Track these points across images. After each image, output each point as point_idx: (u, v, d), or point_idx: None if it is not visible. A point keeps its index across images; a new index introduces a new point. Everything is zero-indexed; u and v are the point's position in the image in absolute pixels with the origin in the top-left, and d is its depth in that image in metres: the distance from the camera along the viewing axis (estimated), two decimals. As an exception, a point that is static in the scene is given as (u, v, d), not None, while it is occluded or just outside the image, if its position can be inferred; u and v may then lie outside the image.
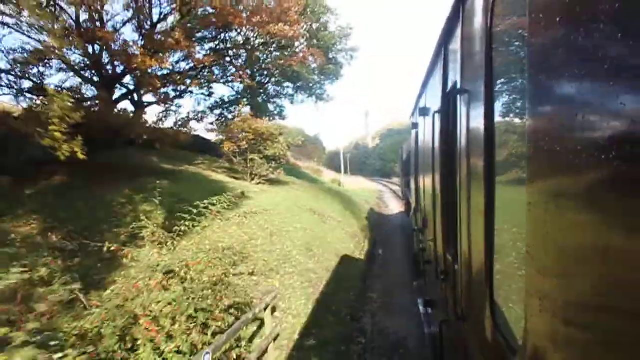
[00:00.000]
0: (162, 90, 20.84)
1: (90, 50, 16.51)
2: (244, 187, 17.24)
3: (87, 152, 10.16)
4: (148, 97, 23.01)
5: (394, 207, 33.01)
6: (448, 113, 3.55)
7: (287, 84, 27.57)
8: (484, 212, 2.12)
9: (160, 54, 15.56)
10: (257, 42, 21.70)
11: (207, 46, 22.26)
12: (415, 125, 7.54)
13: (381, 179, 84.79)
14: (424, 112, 5.55)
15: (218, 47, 21.68)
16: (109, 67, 16.85)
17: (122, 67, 16.58)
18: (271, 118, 31.33)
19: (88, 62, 17.01)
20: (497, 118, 2.05)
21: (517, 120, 1.81)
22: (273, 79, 27.04)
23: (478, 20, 2.33)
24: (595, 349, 1.06)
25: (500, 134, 2.02)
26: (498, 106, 2.05)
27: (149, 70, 15.65)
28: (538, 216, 1.39)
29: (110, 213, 11.63)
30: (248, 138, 18.27)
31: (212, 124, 25.64)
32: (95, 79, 18.01)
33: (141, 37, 17.37)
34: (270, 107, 30.28)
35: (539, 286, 1.39)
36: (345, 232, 16.03)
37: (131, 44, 15.75)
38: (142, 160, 18.42)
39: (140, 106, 20.83)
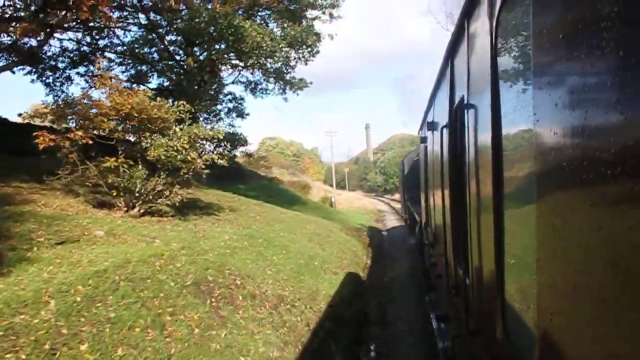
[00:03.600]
0: None
1: None
2: (75, 229, 8.00)
3: None
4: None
5: (399, 234, 23.75)
6: (456, 128, 3.55)
7: (227, 51, 17.92)
8: (493, 225, 2.13)
9: None
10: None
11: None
12: (423, 140, 7.42)
13: (382, 195, 76.42)
14: (432, 126, 5.61)
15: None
16: None
17: None
18: (218, 117, 22.20)
19: None
20: (504, 133, 2.06)
21: (524, 135, 1.78)
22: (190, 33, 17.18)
23: (483, 35, 2.37)
24: None
25: (507, 149, 2.04)
26: (505, 121, 2.05)
27: None
28: (547, 230, 1.41)
29: None
30: (101, 123, 8.99)
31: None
32: None
33: None
34: (216, 100, 20.96)
35: (550, 300, 1.41)
36: (281, 337, 6.78)
37: None
38: None
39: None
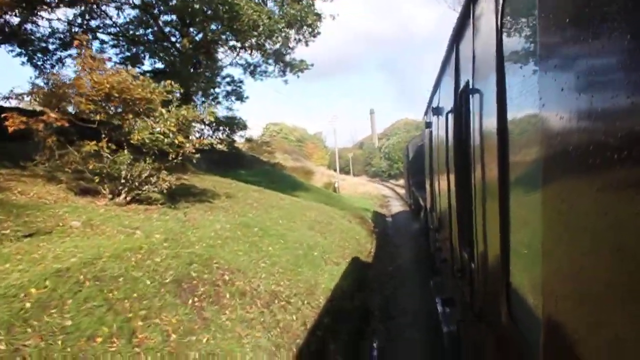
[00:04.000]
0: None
1: None
2: (50, 219, 7.32)
3: None
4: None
5: (403, 219, 22.96)
6: (461, 113, 3.55)
7: (223, 30, 16.87)
8: (498, 210, 2.12)
9: None
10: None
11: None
12: (429, 125, 7.42)
13: (387, 181, 75.56)
14: (437, 111, 5.57)
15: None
16: None
17: None
18: (217, 100, 21.40)
19: None
20: (510, 118, 2.05)
21: (529, 120, 1.78)
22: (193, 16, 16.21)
23: (489, 19, 2.36)
24: (612, 346, 1.06)
25: (513, 134, 2.01)
26: (510, 106, 2.04)
27: None
28: (553, 215, 1.39)
29: None
30: (79, 104, 8.24)
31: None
32: None
33: None
34: (217, 83, 20.02)
35: (555, 285, 1.40)
36: (273, 340, 6.09)
37: None
38: None
39: None
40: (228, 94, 21.77)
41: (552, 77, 1.37)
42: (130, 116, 8.58)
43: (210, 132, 21.51)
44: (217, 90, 21.57)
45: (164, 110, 9.02)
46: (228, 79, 21.76)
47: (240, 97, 21.92)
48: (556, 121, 1.34)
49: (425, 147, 9.71)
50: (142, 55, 19.84)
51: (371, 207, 30.34)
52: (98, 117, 8.66)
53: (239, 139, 22.57)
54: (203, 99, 19.83)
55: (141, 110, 8.82)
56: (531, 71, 1.69)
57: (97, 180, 9.02)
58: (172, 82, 9.46)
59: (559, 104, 1.32)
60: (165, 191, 9.91)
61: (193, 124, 10.72)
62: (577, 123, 1.18)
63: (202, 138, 10.05)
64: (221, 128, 20.67)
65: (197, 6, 14.45)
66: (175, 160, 9.70)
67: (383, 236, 18.92)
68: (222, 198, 13.34)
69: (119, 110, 8.67)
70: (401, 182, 52.19)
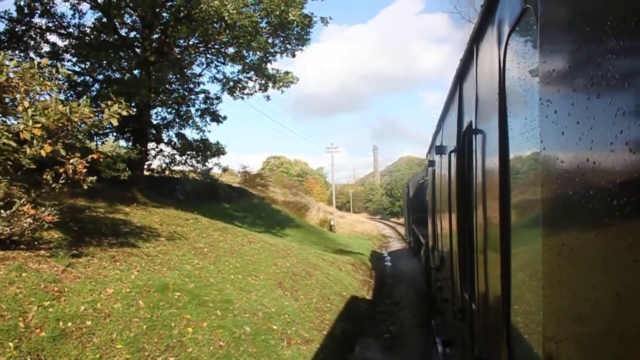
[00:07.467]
0: None
1: None
2: None
3: None
4: None
5: (405, 264, 19.20)
6: (464, 153, 3.56)
7: (185, 30, 13.80)
8: (499, 251, 2.11)
9: None
10: None
11: None
12: (432, 163, 7.54)
13: (388, 219, 72.29)
14: (440, 150, 5.58)
15: None
16: None
17: None
18: (185, 120, 18.20)
19: None
20: (512, 160, 2.05)
21: (531, 163, 1.80)
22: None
23: (491, 62, 2.37)
24: None
25: (514, 176, 2.03)
26: (512, 148, 2.04)
27: None
28: (553, 258, 1.38)
29: None
30: None
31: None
32: None
33: None
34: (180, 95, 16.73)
35: (556, 328, 1.38)
36: None
37: None
38: None
39: None
40: (202, 113, 18.52)
41: (552, 120, 1.37)
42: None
43: (182, 158, 18.26)
44: (190, 108, 18.40)
45: (27, 103, 5.63)
46: (203, 96, 18.56)
47: (216, 118, 18.62)
48: (556, 164, 1.34)
49: (428, 185, 9.66)
50: (97, 64, 16.72)
51: (369, 248, 26.77)
52: None
53: (214, 167, 19.21)
54: (169, 115, 16.61)
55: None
56: (533, 114, 1.66)
57: None
58: (46, 60, 6.13)
59: (559, 147, 1.33)
60: (26, 231, 6.34)
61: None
62: (577, 167, 1.18)
63: (100, 155, 6.57)
64: (189, 153, 17.40)
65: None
66: (54, 185, 6.24)
67: (379, 286, 15.33)
68: (160, 240, 9.78)
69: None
70: (402, 220, 49.03)
